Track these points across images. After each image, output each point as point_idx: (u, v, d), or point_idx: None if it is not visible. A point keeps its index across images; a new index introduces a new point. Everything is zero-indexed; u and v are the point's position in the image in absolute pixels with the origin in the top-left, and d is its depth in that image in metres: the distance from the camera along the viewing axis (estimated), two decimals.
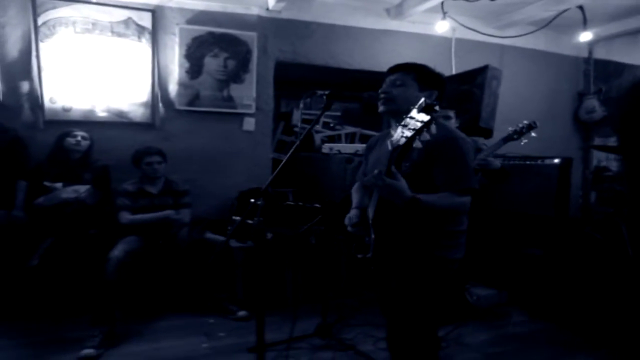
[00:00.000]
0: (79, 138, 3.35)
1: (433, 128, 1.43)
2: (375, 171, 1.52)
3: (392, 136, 1.57)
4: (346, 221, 1.93)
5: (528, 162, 3.68)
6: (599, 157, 5.41)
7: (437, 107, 1.43)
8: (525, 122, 2.86)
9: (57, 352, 2.69)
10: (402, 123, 1.48)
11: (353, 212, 1.94)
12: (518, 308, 3.60)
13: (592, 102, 5.29)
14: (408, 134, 1.46)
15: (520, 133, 2.85)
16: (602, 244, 3.20)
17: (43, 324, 3.07)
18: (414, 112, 1.44)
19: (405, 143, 1.48)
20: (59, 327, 3.02)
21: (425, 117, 1.41)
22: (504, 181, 2.99)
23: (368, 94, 1.87)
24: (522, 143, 2.86)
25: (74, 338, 2.79)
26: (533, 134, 2.83)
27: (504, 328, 3.26)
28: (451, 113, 3.17)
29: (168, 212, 3.30)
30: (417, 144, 1.45)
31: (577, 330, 3.11)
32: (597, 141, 5.36)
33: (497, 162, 2.91)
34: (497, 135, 3.76)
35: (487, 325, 3.30)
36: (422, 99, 1.44)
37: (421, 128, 1.42)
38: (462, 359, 2.75)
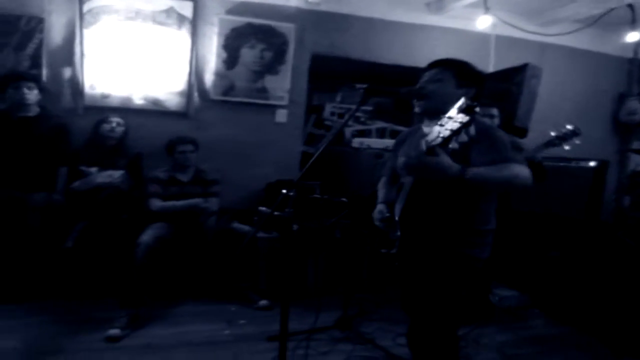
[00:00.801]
0: (114, 124, 3.44)
1: (472, 129, 1.37)
2: (412, 153, 1.47)
3: (425, 134, 1.52)
4: (375, 215, 1.92)
5: (562, 164, 3.57)
6: (636, 161, 5.19)
7: (477, 109, 1.35)
8: (569, 127, 2.71)
9: (86, 331, 2.79)
10: (440, 122, 1.42)
11: (381, 207, 1.94)
12: (540, 311, 3.53)
13: (634, 104, 5.06)
14: (445, 134, 1.39)
15: (562, 139, 2.72)
16: (634, 250, 3.07)
17: (75, 303, 3.17)
18: (453, 112, 1.38)
19: (441, 144, 1.42)
20: (89, 307, 3.12)
21: (464, 118, 1.34)
22: (543, 180, 2.89)
23: (406, 89, 1.82)
24: (566, 148, 2.73)
25: (103, 318, 2.88)
26: (577, 142, 2.69)
27: (524, 330, 3.21)
28: (495, 111, 3.07)
29: (197, 201, 3.36)
30: (454, 145, 1.40)
31: (600, 336, 3.02)
32: (637, 145, 5.15)
33: (539, 157, 2.84)
34: (532, 134, 3.67)
35: (508, 326, 3.26)
36: (463, 99, 1.36)
37: (459, 129, 1.36)
38: (480, 359, 2.72)
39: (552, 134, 2.76)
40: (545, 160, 3.52)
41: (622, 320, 2.93)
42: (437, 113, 1.75)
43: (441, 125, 1.41)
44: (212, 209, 3.44)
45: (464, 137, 1.37)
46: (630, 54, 5.16)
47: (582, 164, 3.47)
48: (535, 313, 3.50)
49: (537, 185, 2.93)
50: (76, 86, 3.72)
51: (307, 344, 2.65)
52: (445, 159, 1.47)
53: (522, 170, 1.59)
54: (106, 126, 3.43)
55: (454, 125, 1.36)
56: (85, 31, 3.68)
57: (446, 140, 1.40)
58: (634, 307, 2.88)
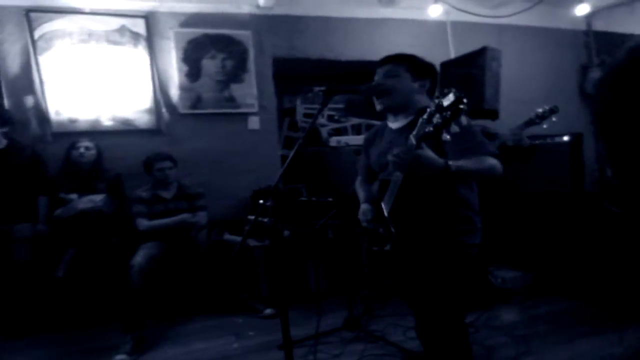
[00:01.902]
0: (82, 150, 3.34)
1: (463, 120, 1.38)
2: (395, 150, 1.48)
3: (400, 132, 1.56)
4: (360, 217, 1.90)
5: (538, 142, 3.65)
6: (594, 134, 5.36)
7: (465, 99, 1.35)
8: (547, 107, 2.86)
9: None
10: (425, 116, 1.43)
11: (365, 207, 1.91)
12: (544, 288, 3.56)
13: (597, 74, 5.20)
14: (431, 128, 1.40)
15: (542, 117, 2.86)
16: (621, 217, 3.17)
17: (75, 333, 3.09)
18: (439, 104, 1.38)
19: (432, 134, 1.41)
20: (90, 336, 3.04)
21: (456, 109, 1.35)
22: (530, 158, 3.00)
23: (365, 86, 1.82)
24: (544, 127, 2.87)
25: (107, 346, 2.79)
26: (554, 119, 2.83)
27: (531, 309, 3.21)
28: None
29: (184, 216, 3.27)
30: (446, 137, 1.40)
31: (604, 306, 3.06)
32: None
33: (527, 140, 2.95)
34: (504, 115, 3.75)
35: (515, 307, 3.26)
36: (451, 92, 1.36)
37: (448, 121, 1.36)
38: (492, 342, 2.70)
39: (532, 114, 2.89)
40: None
41: (622, 288, 2.97)
42: (399, 109, 1.79)
43: (426, 118, 1.42)
44: (201, 222, 3.36)
45: (455, 129, 1.38)
46: (583, 27, 5.36)
47: (557, 139, 3.56)
48: (540, 291, 3.52)
49: (520, 166, 3.02)
50: (41, 113, 3.58)
51: (315, 349, 2.59)
52: (431, 153, 1.48)
53: (495, 162, 1.64)
54: (74, 152, 3.33)
55: (444, 118, 1.37)
56: (40, 57, 3.57)
57: (436, 132, 1.40)
58: (630, 274, 2.96)
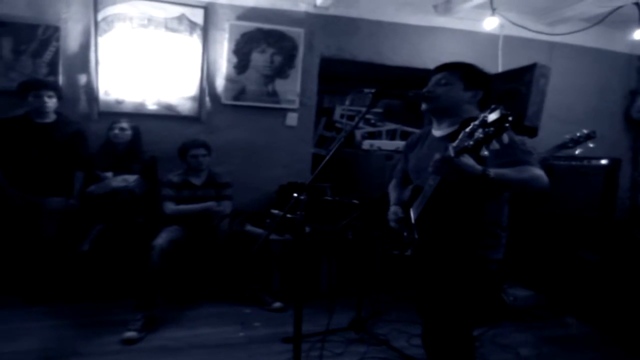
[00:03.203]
0: (117, 130, 3.43)
1: (505, 138, 1.34)
2: (437, 155, 1.46)
3: (441, 141, 1.53)
4: (390, 216, 1.92)
5: (574, 163, 3.52)
6: None
7: (510, 117, 1.30)
8: (585, 131, 2.77)
9: (102, 334, 2.79)
10: (468, 130, 1.40)
11: (395, 208, 1.93)
12: (557, 311, 3.47)
13: None
14: (472, 143, 1.37)
15: (577, 142, 2.74)
16: None
17: (91, 306, 3.19)
18: (483, 120, 1.35)
19: (471, 149, 1.39)
20: (104, 310, 3.14)
21: (496, 127, 1.32)
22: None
23: (413, 92, 1.80)
24: (576, 152, 2.73)
25: (118, 321, 2.88)
26: (591, 145, 2.70)
27: (540, 330, 3.16)
28: None
29: (210, 204, 3.35)
30: (484, 153, 1.37)
31: (618, 336, 2.98)
32: None
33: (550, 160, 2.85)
34: (542, 134, 3.62)
35: (524, 326, 3.22)
36: (497, 110, 1.32)
37: (490, 137, 1.33)
38: (496, 358, 2.68)
39: (567, 137, 2.75)
40: (557, 159, 3.49)
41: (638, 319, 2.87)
42: (444, 114, 1.78)
43: (469, 132, 1.39)
44: (225, 212, 3.43)
45: (495, 146, 1.35)
46: (639, 51, 5.10)
47: (595, 162, 3.42)
48: (551, 314, 3.44)
49: (553, 186, 2.90)
50: (91, 92, 3.75)
51: (321, 346, 2.62)
52: (469, 161, 1.46)
53: (540, 173, 1.59)
54: (111, 132, 3.44)
55: (486, 134, 1.34)
56: (100, 39, 3.71)
57: (475, 147, 1.37)
58: None
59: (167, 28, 3.87)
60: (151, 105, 3.88)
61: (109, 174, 3.34)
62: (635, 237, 3.18)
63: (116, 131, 3.43)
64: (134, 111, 3.80)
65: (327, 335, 2.80)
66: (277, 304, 3.32)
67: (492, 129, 1.32)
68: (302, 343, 2.51)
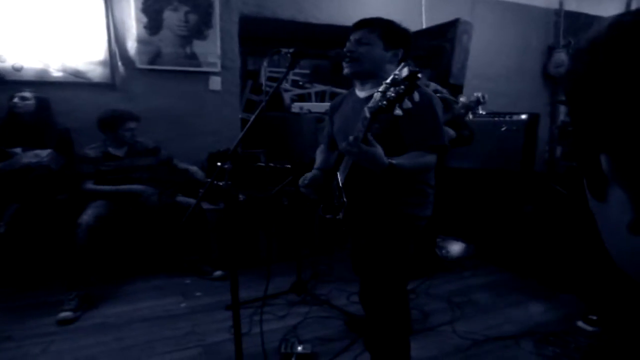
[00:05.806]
0: (16, 100, 3.29)
1: (416, 96, 1.44)
2: (351, 138, 1.55)
3: (359, 99, 1.59)
4: (300, 181, 2.01)
5: (496, 119, 3.87)
6: (565, 112, 5.60)
7: (420, 75, 1.41)
8: (476, 94, 2.91)
9: (36, 316, 2.80)
10: (381, 89, 1.48)
11: (311, 173, 2.04)
12: (485, 260, 3.88)
13: (561, 56, 5.47)
14: (385, 102, 1.46)
15: (468, 108, 2.91)
16: (565, 197, 3.45)
17: (19, 290, 3.16)
18: (393, 78, 1.44)
19: (385, 109, 1.49)
20: (35, 293, 3.12)
21: (407, 86, 1.41)
22: (470, 143, 3.09)
23: (335, 51, 1.86)
24: (469, 117, 2.97)
25: (51, 302, 2.90)
26: (481, 111, 2.94)
27: (471, 279, 3.54)
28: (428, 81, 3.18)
29: (137, 187, 3.32)
30: (398, 112, 1.45)
31: (541, 279, 3.39)
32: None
33: (451, 132, 2.89)
34: (467, 90, 3.93)
35: (455, 276, 3.58)
36: (406, 67, 1.42)
37: (402, 96, 1.42)
38: (430, 308, 3.00)
39: (456, 106, 2.94)
40: (481, 116, 3.81)
41: (560, 263, 3.30)
42: (367, 76, 1.89)
43: (382, 92, 1.48)
44: (199, 174, 3.58)
45: (407, 104, 1.46)
46: (556, 5, 5.54)
47: (515, 117, 3.78)
48: (480, 262, 3.86)
49: (476, 142, 3.20)
50: None
51: (261, 310, 2.79)
52: (379, 152, 1.54)
53: (431, 161, 1.76)
54: (11, 103, 3.29)
55: (397, 92, 1.43)
56: None
57: (389, 106, 1.48)
58: (566, 249, 3.27)
59: None
60: (56, 72, 3.73)
61: (18, 150, 3.22)
62: (552, 188, 3.60)
63: (16, 100, 3.29)
64: (36, 79, 3.64)
65: (270, 300, 3.01)
66: (218, 273, 3.46)
67: (402, 87, 1.42)
68: (245, 309, 2.69)
